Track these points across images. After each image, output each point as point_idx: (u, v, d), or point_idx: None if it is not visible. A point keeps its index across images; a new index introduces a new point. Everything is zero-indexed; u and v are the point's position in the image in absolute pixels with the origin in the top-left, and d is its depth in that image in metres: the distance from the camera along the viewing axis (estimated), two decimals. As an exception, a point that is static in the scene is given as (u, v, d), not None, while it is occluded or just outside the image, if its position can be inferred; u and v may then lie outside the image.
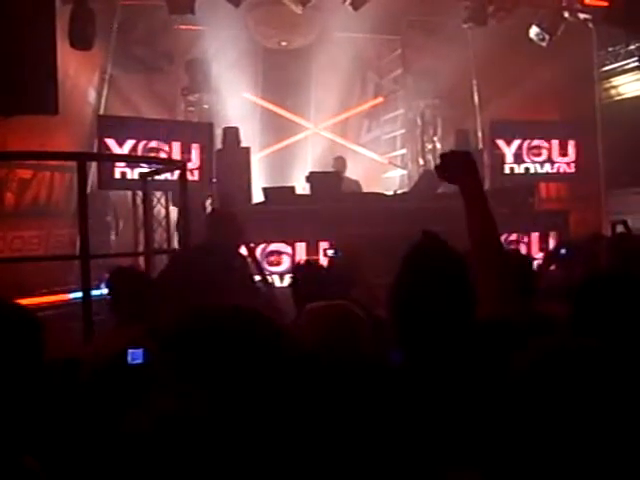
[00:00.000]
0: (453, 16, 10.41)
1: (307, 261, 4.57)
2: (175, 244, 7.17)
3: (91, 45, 8.50)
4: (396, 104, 12.47)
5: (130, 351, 2.60)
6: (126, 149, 8.52)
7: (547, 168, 10.75)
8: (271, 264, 7.56)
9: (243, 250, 5.46)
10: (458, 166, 2.26)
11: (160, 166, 6.86)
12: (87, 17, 8.23)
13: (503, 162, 10.55)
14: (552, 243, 8.50)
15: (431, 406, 1.61)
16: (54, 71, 5.79)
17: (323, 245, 7.19)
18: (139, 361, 2.58)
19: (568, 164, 10.80)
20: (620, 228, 6.70)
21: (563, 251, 4.81)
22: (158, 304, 3.37)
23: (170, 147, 8.82)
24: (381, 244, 7.03)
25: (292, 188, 8.85)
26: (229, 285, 4.46)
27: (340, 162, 9.96)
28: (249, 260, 5.40)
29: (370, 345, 2.17)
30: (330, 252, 4.91)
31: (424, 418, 1.59)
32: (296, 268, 3.95)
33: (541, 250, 8.43)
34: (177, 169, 6.20)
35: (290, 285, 3.82)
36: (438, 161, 2.33)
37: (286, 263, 7.60)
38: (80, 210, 4.59)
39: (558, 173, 10.85)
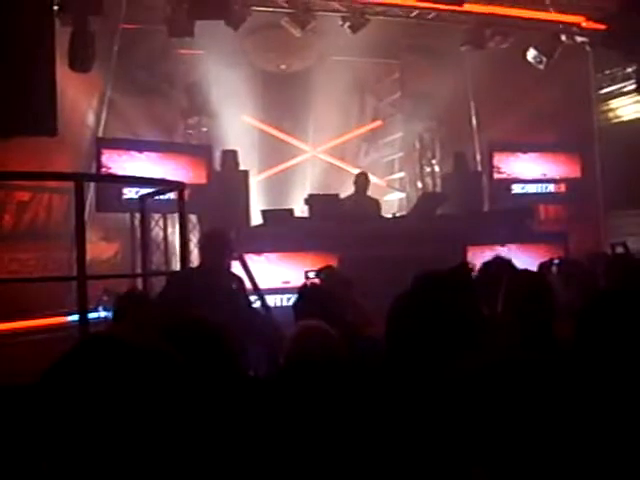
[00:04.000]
0: (451, 40, 10.48)
1: (313, 283, 4.67)
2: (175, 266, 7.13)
3: (90, 68, 8.51)
4: (394, 127, 12.50)
5: None
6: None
7: (549, 188, 10.78)
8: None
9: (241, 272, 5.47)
10: None
11: (158, 188, 6.80)
12: (87, 40, 8.25)
13: (502, 183, 10.56)
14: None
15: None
16: (53, 93, 5.78)
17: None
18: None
19: (566, 185, 10.83)
20: (619, 249, 6.70)
21: (556, 261, 4.88)
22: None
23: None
24: (380, 266, 7.02)
25: (290, 210, 8.81)
26: (225, 305, 4.45)
27: (362, 179, 9.24)
28: (248, 282, 5.42)
29: (341, 357, 2.58)
30: (311, 274, 4.95)
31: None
32: (303, 289, 4.04)
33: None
34: (175, 190, 6.14)
35: (295, 304, 3.89)
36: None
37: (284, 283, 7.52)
38: (77, 231, 4.55)
39: (557, 194, 10.87)
